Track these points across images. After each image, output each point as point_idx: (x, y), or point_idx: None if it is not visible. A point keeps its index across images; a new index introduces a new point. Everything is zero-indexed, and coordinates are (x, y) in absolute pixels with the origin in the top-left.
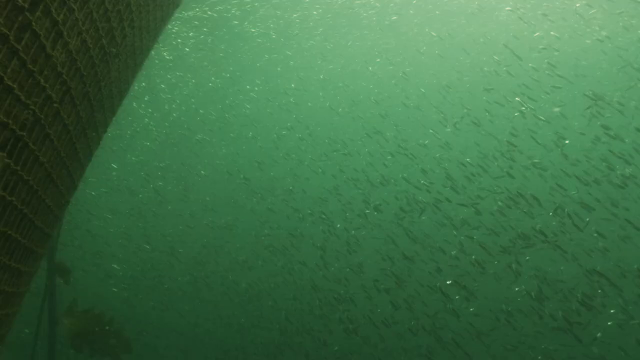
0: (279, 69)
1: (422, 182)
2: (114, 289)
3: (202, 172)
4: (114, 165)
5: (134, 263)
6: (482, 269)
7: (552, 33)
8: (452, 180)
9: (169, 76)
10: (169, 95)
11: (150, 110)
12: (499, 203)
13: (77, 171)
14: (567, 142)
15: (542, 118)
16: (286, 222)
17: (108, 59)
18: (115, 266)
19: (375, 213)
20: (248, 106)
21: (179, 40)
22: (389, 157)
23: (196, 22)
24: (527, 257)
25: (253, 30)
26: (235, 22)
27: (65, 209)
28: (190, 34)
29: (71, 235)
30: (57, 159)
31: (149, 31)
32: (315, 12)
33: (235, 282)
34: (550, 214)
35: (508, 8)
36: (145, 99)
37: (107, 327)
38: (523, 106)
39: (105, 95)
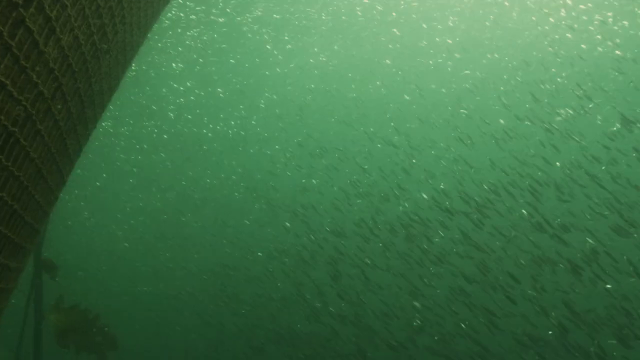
0: (287, 81)
1: (437, 199)
2: (137, 305)
3: (213, 182)
4: (130, 180)
5: (141, 274)
6: (505, 293)
7: (575, 52)
8: (471, 198)
9: (175, 85)
10: (180, 101)
11: (159, 122)
12: (523, 225)
13: (66, 167)
14: (591, 161)
15: (575, 137)
16: (296, 238)
17: (99, 55)
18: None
19: (388, 231)
20: (256, 118)
21: (191, 47)
22: (403, 173)
23: (206, 27)
24: (553, 283)
25: (266, 37)
26: (248, 28)
27: (54, 205)
28: (199, 45)
29: (96, 257)
30: (47, 154)
31: (139, 27)
32: (324, 16)
33: (251, 299)
34: (583, 238)
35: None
36: (153, 107)
37: (105, 328)
38: (543, 125)
39: (96, 91)
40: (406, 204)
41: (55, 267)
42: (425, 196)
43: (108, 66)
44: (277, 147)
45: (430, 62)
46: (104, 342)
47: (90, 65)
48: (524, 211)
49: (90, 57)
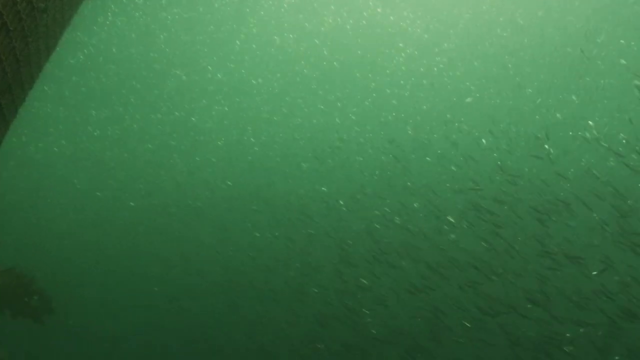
0: (287, 88)
1: (438, 216)
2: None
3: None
4: (112, 178)
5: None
6: (530, 317)
7: (591, 75)
8: (485, 222)
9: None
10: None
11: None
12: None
13: (1, 128)
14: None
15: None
16: (295, 243)
17: (36, 14)
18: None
19: (398, 254)
20: (252, 132)
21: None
22: (410, 201)
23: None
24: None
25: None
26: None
27: None
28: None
29: (89, 261)
30: None
31: None
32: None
33: (252, 300)
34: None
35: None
36: (158, 116)
37: (43, 292)
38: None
39: (33, 51)
40: (416, 227)
41: None
42: (417, 205)
43: (45, 25)
44: (279, 162)
45: (427, 80)
46: (40, 306)
47: (27, 24)
48: (536, 240)
49: (27, 16)
